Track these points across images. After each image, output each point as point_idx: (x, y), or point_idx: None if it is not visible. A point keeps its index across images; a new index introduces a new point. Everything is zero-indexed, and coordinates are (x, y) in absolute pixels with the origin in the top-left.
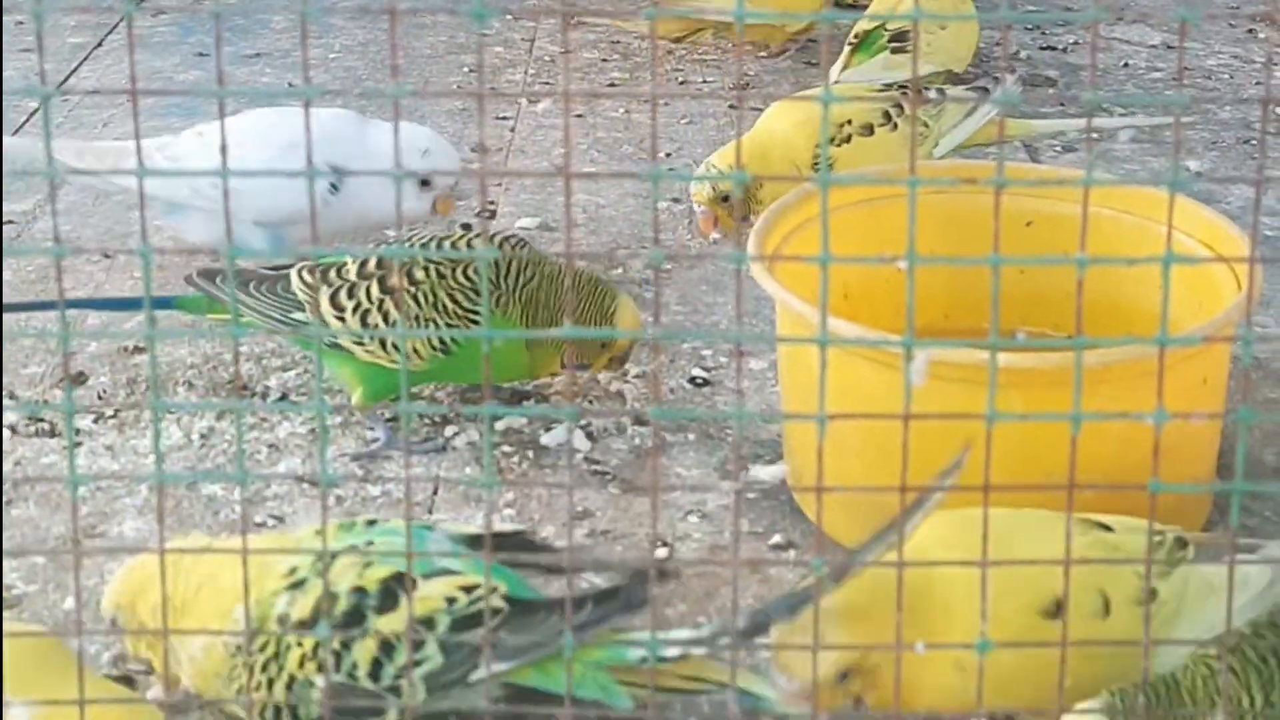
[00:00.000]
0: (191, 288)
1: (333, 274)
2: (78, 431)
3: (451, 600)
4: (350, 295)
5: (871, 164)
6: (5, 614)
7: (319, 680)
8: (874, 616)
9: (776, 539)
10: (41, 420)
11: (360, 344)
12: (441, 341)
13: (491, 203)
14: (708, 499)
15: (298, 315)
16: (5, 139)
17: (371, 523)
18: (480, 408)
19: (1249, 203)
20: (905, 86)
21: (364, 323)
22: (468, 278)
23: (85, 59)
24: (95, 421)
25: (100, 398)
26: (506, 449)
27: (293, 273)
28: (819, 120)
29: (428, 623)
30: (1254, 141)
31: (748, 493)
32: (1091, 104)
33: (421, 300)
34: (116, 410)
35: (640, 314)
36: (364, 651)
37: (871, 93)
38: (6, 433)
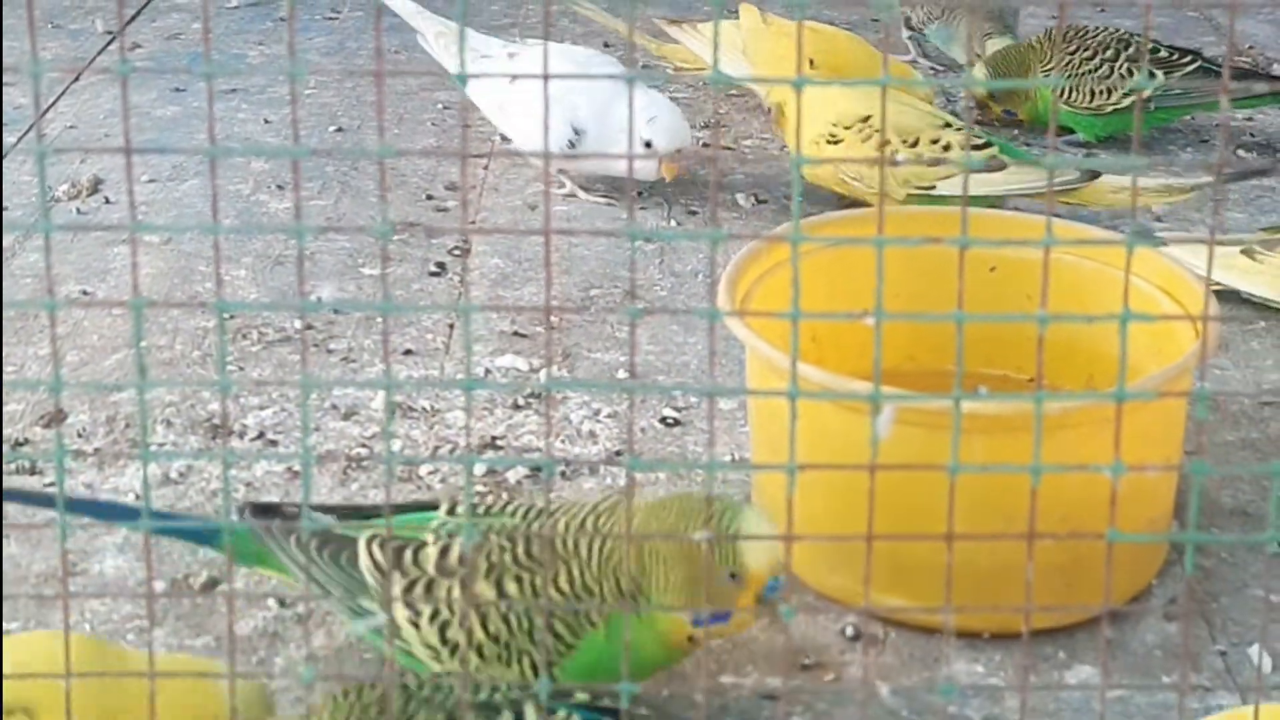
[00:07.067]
0: (242, 522)
1: (408, 558)
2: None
3: None
4: (428, 594)
5: None
6: None
7: None
8: None
9: None
10: (21, 458)
11: (437, 658)
12: (535, 671)
13: (465, 241)
14: None
15: (364, 602)
16: None
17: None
18: (463, 457)
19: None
20: None
21: (443, 637)
22: (559, 590)
23: (63, 93)
24: (74, 459)
25: (80, 435)
26: (480, 489)
27: (361, 545)
28: None
29: None
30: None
31: None
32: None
33: (513, 626)
34: (96, 448)
35: (769, 526)
36: None
37: None
38: None
